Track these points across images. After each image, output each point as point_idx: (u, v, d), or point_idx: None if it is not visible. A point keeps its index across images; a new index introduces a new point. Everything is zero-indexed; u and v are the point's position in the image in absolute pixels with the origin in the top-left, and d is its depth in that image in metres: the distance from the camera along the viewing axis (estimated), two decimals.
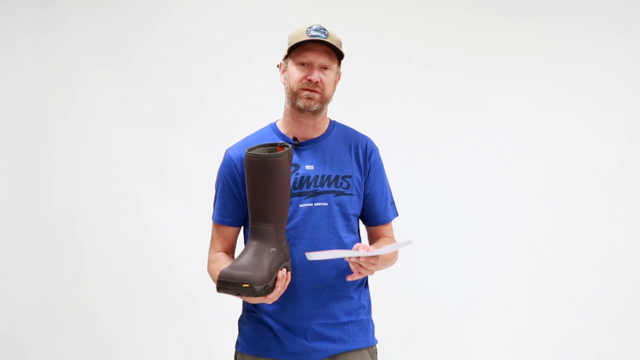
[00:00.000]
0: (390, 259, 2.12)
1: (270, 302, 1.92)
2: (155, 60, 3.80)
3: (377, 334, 2.17)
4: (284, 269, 1.91)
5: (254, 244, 1.90)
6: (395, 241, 2.16)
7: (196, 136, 3.76)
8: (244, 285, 1.82)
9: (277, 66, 2.12)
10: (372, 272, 1.97)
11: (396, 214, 2.21)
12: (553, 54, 3.57)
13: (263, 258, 1.87)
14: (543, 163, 3.57)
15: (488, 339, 3.56)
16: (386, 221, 2.17)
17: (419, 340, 3.59)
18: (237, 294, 1.85)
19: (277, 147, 1.95)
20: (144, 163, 3.79)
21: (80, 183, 3.85)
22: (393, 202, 2.20)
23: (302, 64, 2.01)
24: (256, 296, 1.85)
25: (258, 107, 3.66)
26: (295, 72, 2.02)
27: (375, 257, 1.93)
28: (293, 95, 2.03)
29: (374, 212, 2.15)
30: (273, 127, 2.13)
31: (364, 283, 2.14)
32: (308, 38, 1.99)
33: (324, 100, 2.05)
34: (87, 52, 3.85)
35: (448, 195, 3.60)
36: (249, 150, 1.92)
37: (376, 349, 2.15)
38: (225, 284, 1.83)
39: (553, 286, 3.52)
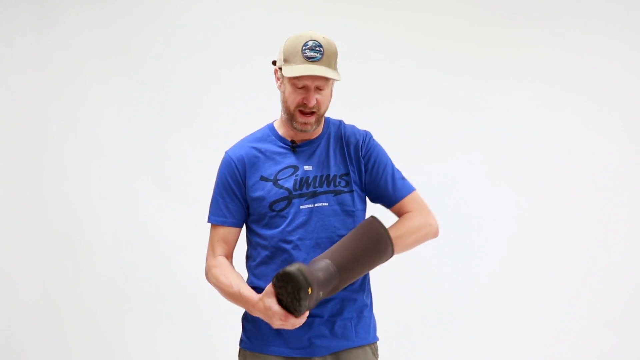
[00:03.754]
0: (411, 238, 2.07)
1: (277, 325, 1.89)
2: (155, 60, 3.80)
3: (377, 332, 2.17)
4: (307, 313, 1.90)
5: (334, 273, 1.89)
6: (418, 215, 2.09)
7: (196, 136, 3.76)
8: (309, 289, 1.81)
9: (273, 63, 2.10)
10: None
11: (412, 188, 2.13)
12: (553, 54, 3.57)
13: (322, 288, 1.86)
14: (543, 163, 3.58)
15: (488, 339, 3.56)
16: (398, 199, 2.10)
17: (418, 339, 3.59)
18: (289, 291, 1.82)
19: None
20: (144, 163, 3.79)
21: (80, 183, 3.85)
22: (403, 178, 2.14)
23: (298, 86, 2.00)
24: (297, 305, 1.83)
25: (257, 107, 3.66)
26: (291, 93, 2.01)
27: None
28: (289, 115, 2.03)
29: (385, 193, 2.11)
30: (270, 129, 2.13)
31: (366, 281, 2.14)
32: (303, 60, 1.96)
33: (320, 118, 2.05)
34: (87, 52, 3.85)
35: (448, 195, 3.60)
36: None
37: (377, 346, 2.15)
38: (299, 275, 1.81)
39: (553, 286, 3.53)
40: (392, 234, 1.99)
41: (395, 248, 1.99)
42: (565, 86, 3.56)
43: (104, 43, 3.84)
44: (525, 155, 3.58)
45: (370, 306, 2.14)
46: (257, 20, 3.74)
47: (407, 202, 2.11)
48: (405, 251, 2.06)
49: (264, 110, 3.63)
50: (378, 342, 2.17)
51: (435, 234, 2.12)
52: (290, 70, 1.97)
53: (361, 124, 2.23)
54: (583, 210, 3.54)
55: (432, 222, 2.09)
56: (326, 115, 2.14)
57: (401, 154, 3.64)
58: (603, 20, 3.54)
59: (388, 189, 2.10)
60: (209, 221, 2.12)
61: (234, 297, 1.99)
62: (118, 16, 3.83)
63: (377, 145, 2.14)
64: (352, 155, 2.10)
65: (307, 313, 1.88)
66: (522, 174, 3.58)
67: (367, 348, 2.10)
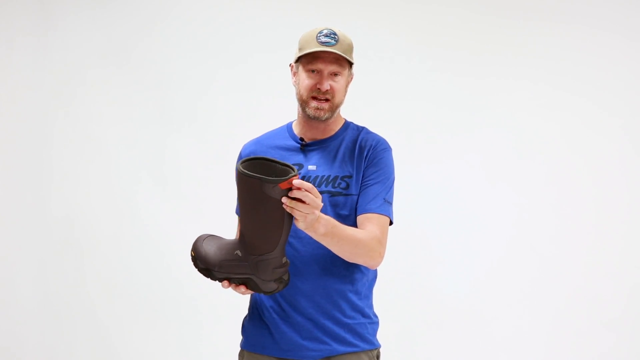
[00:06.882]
0: (348, 241, 1.92)
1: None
2: (154, 59, 3.81)
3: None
4: (240, 280, 1.89)
5: (236, 239, 1.93)
6: (372, 235, 1.96)
7: (195, 135, 3.76)
8: (191, 251, 1.95)
9: (290, 66, 2.12)
10: (303, 215, 1.75)
11: (388, 213, 2.03)
12: (553, 54, 3.56)
13: (223, 249, 1.90)
14: (543, 163, 3.57)
15: (488, 339, 3.56)
16: (363, 210, 2.00)
17: (417, 340, 3.59)
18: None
19: (289, 168, 1.80)
20: (143, 162, 3.80)
21: (80, 182, 3.85)
22: (388, 202, 2.05)
23: (312, 71, 2.01)
24: (197, 269, 1.94)
25: (256, 106, 3.67)
26: (304, 80, 2.02)
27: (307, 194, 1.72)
28: (303, 103, 2.04)
29: (360, 200, 2.03)
30: (288, 127, 2.15)
31: (363, 284, 2.09)
32: (317, 45, 1.99)
33: (334, 108, 2.05)
34: (87, 52, 3.86)
35: (447, 196, 3.60)
36: (244, 161, 1.80)
37: (379, 353, 2.10)
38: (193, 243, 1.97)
39: (552, 286, 3.52)
40: (339, 229, 1.88)
41: (332, 237, 1.86)
42: (565, 86, 3.55)
43: (104, 43, 3.84)
44: (525, 155, 3.58)
45: (367, 311, 2.08)
46: (255, 19, 3.75)
47: (372, 218, 1.99)
48: (336, 252, 1.93)
49: (262, 109, 3.66)
50: (380, 349, 2.12)
51: (372, 264, 2.01)
52: (303, 53, 2.00)
53: (360, 124, 2.23)
54: (583, 211, 3.53)
55: (376, 253, 1.97)
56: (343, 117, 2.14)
57: (400, 154, 3.66)
58: (603, 20, 3.53)
59: (366, 197, 2.02)
60: (236, 212, 2.15)
61: None
62: (118, 16, 3.84)
63: (386, 158, 2.09)
64: (360, 158, 2.07)
65: (225, 285, 1.93)
66: (522, 174, 3.58)
67: (363, 355, 2.05)
